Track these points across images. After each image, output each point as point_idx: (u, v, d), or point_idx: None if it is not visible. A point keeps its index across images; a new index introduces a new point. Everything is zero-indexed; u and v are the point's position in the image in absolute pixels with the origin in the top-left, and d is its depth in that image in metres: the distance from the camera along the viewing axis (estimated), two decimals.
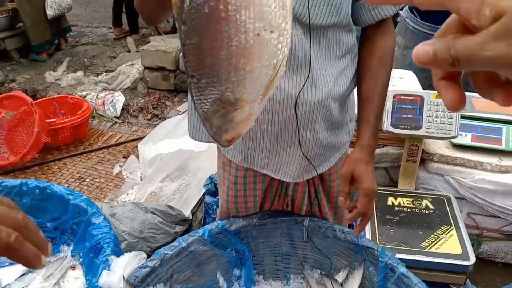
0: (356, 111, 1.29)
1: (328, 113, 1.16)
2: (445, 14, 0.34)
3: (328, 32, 1.09)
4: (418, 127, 1.82)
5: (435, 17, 2.51)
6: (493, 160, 1.98)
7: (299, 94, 1.09)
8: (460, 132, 1.91)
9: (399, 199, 1.86)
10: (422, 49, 0.33)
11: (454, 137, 1.84)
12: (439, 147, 2.05)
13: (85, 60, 4.98)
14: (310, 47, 1.07)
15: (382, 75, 1.18)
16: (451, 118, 1.79)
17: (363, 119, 1.18)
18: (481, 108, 2.05)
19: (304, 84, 1.08)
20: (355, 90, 1.26)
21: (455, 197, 1.90)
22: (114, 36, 5.64)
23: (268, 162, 1.23)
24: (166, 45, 4.13)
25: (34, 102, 2.97)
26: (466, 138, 2.00)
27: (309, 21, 1.04)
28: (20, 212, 0.51)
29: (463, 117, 1.86)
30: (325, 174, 1.32)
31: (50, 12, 4.73)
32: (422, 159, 2.04)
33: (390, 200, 1.86)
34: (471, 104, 2.07)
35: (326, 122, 1.18)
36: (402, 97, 1.86)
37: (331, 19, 1.06)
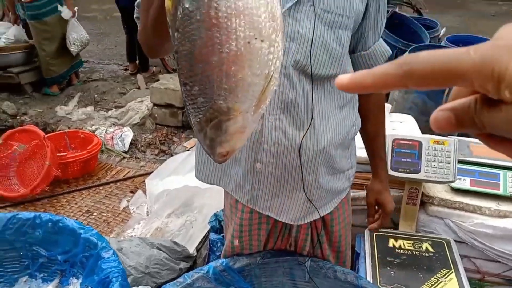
0: (356, 157, 1.40)
1: (330, 160, 1.23)
2: None
3: (331, 82, 1.17)
4: (417, 171, 1.87)
5: None
6: (491, 204, 2.01)
7: (302, 141, 1.16)
8: (459, 177, 1.95)
9: (400, 242, 1.89)
10: (442, 115, 0.30)
11: (452, 182, 1.89)
12: (439, 191, 2.08)
13: (96, 95, 5.12)
14: (312, 97, 1.14)
15: (381, 117, 1.37)
16: (449, 163, 1.85)
17: (375, 156, 1.40)
18: (479, 153, 2.10)
19: (306, 132, 1.15)
20: (357, 139, 1.35)
21: (455, 241, 1.92)
22: (129, 72, 5.78)
23: (270, 204, 1.27)
24: (174, 83, 4.26)
25: (46, 136, 3.05)
26: (464, 183, 2.04)
27: (311, 71, 1.11)
28: None
29: (461, 162, 1.91)
30: (328, 219, 1.37)
31: (74, 49, 4.95)
32: (423, 202, 2.07)
33: (391, 242, 1.88)
34: (468, 149, 2.13)
35: (327, 168, 1.24)
36: (401, 141, 1.92)
37: (333, 70, 1.13)
